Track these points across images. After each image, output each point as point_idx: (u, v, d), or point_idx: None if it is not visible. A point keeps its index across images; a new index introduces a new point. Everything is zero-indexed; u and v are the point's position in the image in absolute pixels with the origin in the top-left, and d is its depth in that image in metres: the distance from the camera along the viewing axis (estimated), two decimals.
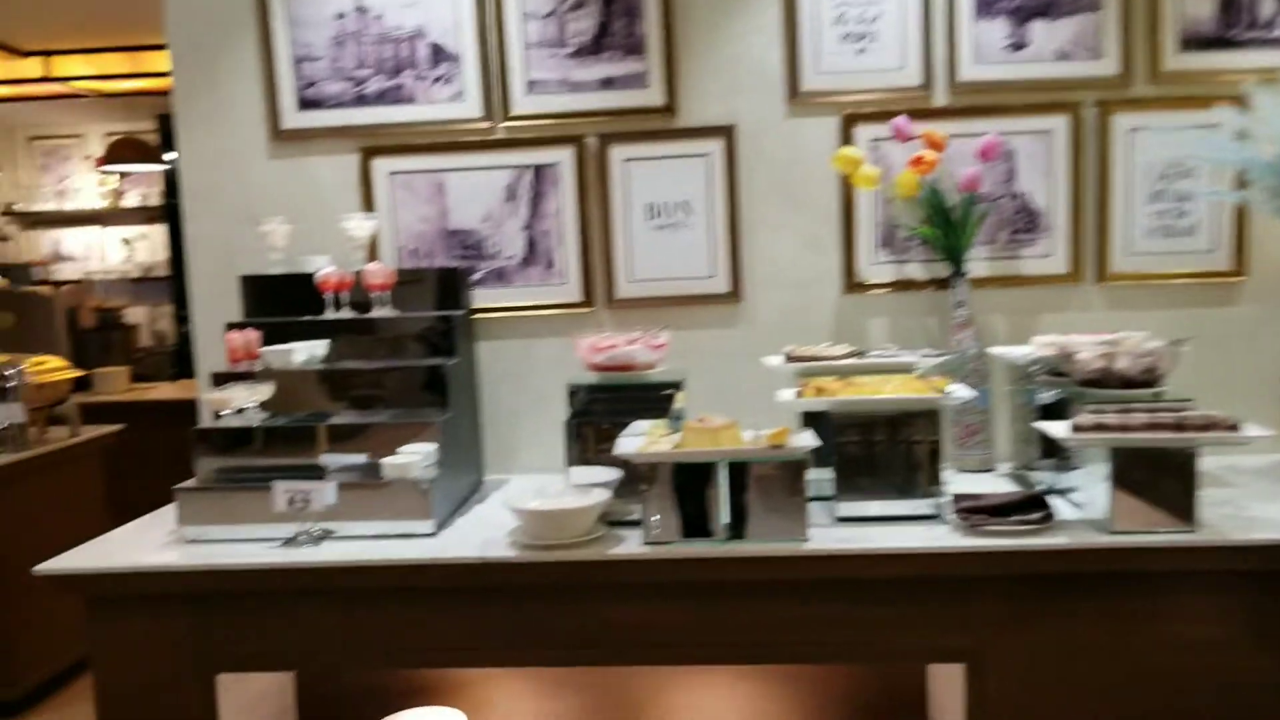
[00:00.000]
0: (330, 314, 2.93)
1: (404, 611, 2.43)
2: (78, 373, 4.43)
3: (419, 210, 3.17)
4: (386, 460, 2.57)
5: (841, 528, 2.48)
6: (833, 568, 2.34)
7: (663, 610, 2.41)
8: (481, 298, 3.17)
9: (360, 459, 2.67)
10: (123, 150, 7.08)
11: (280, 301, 3.03)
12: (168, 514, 2.67)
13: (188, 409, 6.18)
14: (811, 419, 2.73)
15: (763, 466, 2.39)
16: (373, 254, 3.14)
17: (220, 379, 2.77)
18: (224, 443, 2.69)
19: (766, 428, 2.47)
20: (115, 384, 6.07)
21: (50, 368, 4.25)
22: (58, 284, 6.51)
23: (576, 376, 2.72)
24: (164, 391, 6.28)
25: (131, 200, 8.39)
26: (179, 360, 7.14)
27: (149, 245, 8.45)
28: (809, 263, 3.13)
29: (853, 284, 3.13)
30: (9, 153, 8.46)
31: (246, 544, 2.51)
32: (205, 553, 2.47)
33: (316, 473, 2.62)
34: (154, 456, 6.14)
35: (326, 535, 2.53)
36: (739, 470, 2.39)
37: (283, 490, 2.48)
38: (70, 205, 8.44)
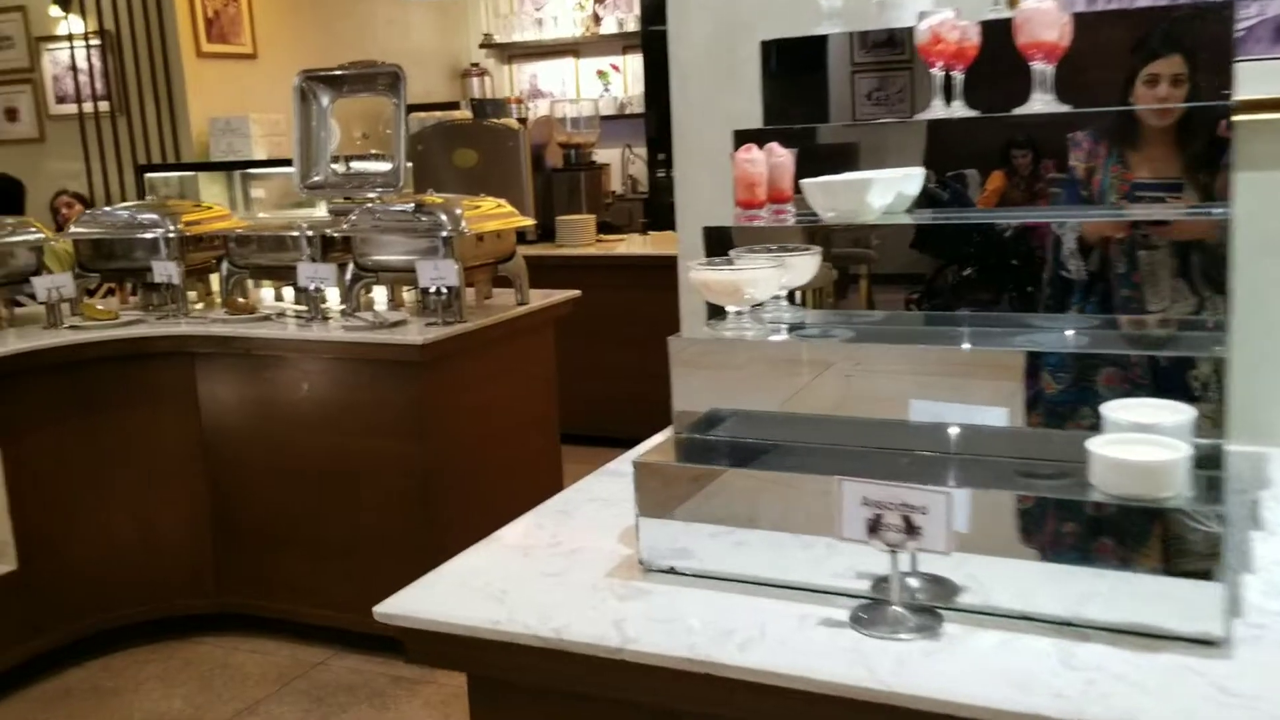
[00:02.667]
0: (935, 110, 1.45)
1: None
2: (525, 221, 3.38)
3: None
4: (1102, 448, 1.09)
5: None
6: None
7: None
8: (1250, 78, 1.52)
9: (1021, 433, 1.21)
10: None
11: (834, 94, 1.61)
12: (622, 475, 1.38)
13: (660, 270, 5.08)
14: None
15: None
16: None
17: (717, 240, 1.41)
18: (727, 372, 1.35)
19: None
20: (580, 235, 5.13)
21: (492, 213, 3.22)
22: (523, 121, 5.68)
23: None
24: (633, 245, 5.28)
25: (608, 26, 7.48)
26: (650, 210, 6.12)
27: (623, 78, 7.53)
28: None
29: None
30: None
31: (769, 596, 1.16)
32: (675, 613, 1.15)
33: (929, 458, 1.21)
34: (617, 328, 5.18)
35: (945, 597, 1.12)
36: None
37: (858, 498, 1.08)
38: (548, 35, 7.71)
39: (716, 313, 1.41)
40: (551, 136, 5.60)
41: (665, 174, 6.38)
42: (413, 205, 3.08)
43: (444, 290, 3.01)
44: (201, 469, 3.22)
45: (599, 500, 1.49)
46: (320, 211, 3.86)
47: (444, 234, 3.01)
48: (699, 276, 1.29)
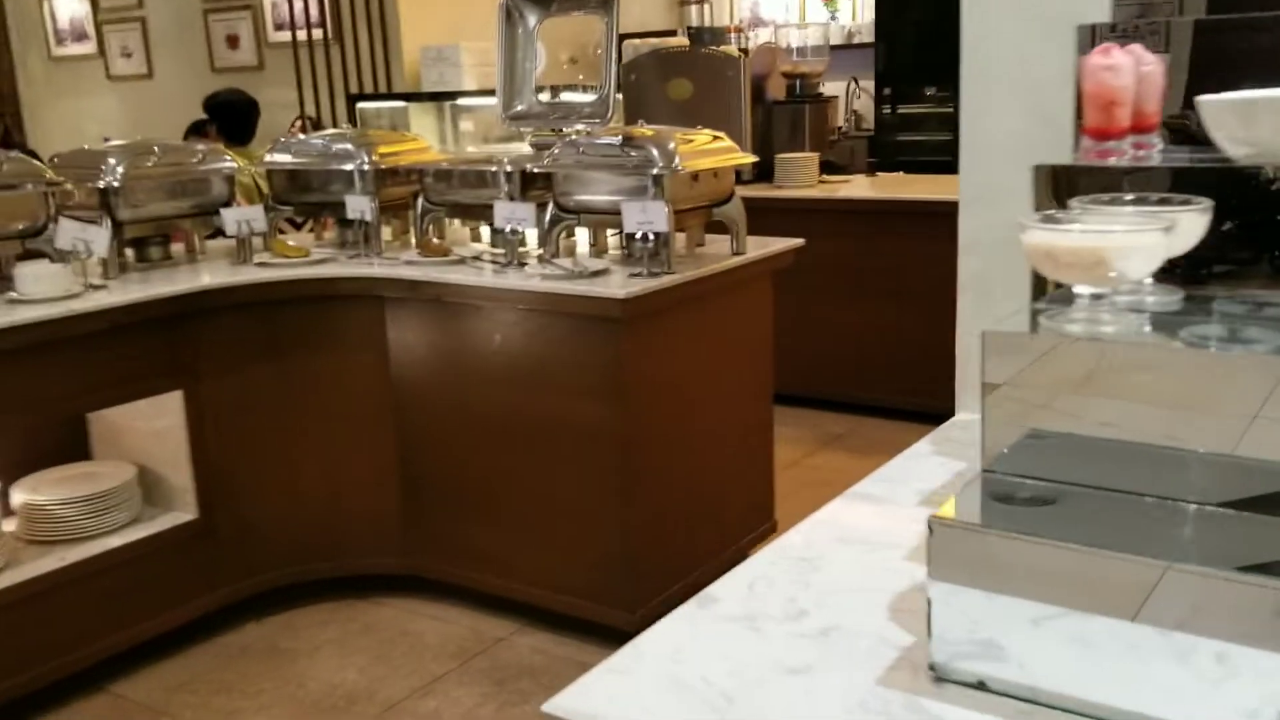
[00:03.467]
0: None
1: None
2: (745, 158, 2.96)
3: None
4: None
5: None
6: None
7: None
8: None
9: None
10: None
11: None
12: (883, 502, 0.97)
13: (890, 217, 4.55)
14: None
15: None
16: None
17: (1055, 184, 0.96)
18: (1078, 393, 0.90)
19: None
20: (801, 175, 4.65)
21: (709, 148, 2.81)
22: (744, 51, 5.22)
23: None
24: (855, 188, 4.76)
25: None
26: (876, 149, 5.56)
27: (852, 4, 6.91)
28: None
29: None
30: None
31: None
32: None
33: None
34: (837, 281, 4.66)
35: None
36: None
37: None
38: None
39: (1044, 289, 0.96)
40: (774, 66, 5.11)
41: (892, 110, 5.79)
42: (620, 139, 2.71)
43: (651, 236, 2.63)
44: (390, 421, 2.99)
45: (854, 541, 1.08)
46: (528, 147, 3.57)
47: (654, 172, 2.63)
48: (1040, 241, 0.85)
